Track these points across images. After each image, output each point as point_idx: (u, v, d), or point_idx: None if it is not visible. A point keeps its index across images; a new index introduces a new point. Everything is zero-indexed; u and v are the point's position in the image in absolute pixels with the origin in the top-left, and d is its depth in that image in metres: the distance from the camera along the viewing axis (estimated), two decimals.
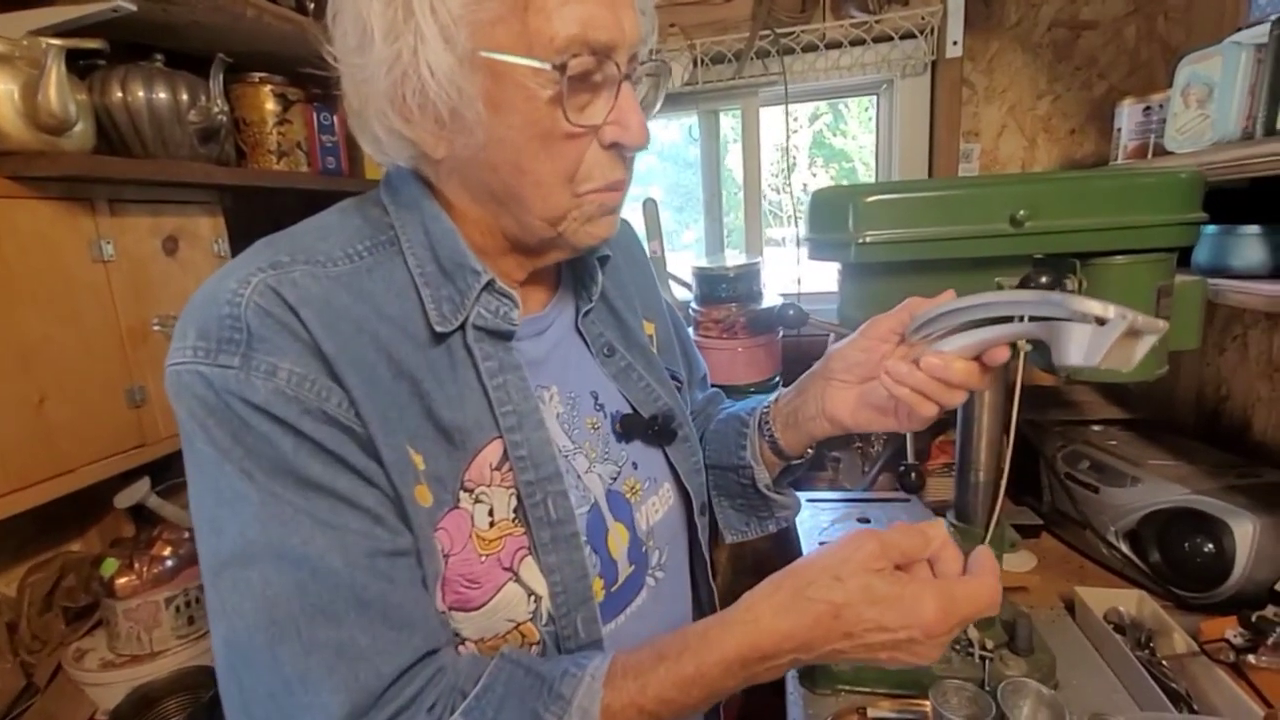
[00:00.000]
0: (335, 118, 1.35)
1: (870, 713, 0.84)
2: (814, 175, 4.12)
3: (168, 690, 0.93)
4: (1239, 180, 0.83)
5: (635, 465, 0.62)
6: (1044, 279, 0.73)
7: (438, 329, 0.50)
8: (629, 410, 0.63)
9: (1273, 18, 0.81)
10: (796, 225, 1.46)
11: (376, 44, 0.44)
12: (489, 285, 0.52)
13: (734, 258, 1.56)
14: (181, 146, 1.00)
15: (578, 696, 0.44)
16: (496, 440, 0.52)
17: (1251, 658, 0.82)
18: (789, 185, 1.50)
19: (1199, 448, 1.15)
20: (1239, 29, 1.03)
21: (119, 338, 0.97)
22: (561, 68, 0.44)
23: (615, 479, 0.60)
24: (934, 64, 1.37)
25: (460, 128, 0.46)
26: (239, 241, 1.20)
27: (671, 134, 2.47)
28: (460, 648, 0.51)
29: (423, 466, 0.48)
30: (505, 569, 0.51)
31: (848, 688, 0.89)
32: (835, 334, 0.85)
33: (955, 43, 1.31)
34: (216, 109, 1.00)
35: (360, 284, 0.48)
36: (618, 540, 0.58)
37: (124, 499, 1.07)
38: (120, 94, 0.95)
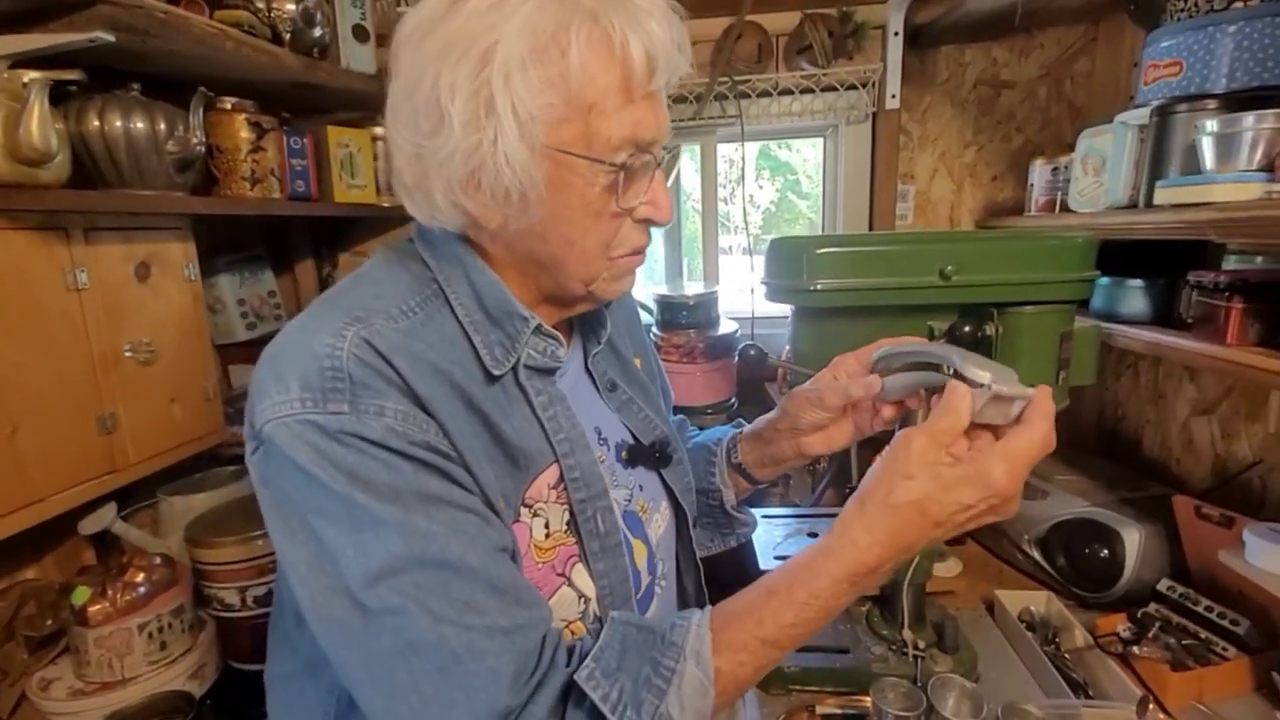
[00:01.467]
0: (305, 141, 1.37)
1: (819, 710, 0.93)
2: (760, 187, 4.29)
3: (142, 716, 0.94)
4: (1127, 238, 0.97)
5: (641, 488, 0.70)
6: (967, 327, 0.84)
7: (494, 372, 0.57)
8: (631, 440, 0.71)
9: (1154, 104, 0.96)
10: (747, 233, 1.57)
11: (455, 132, 0.51)
12: (537, 329, 0.60)
13: (691, 285, 1.66)
14: (158, 176, 1.01)
15: (689, 642, 0.52)
16: (554, 464, 0.60)
17: (1136, 649, 0.96)
18: (735, 196, 1.62)
19: (1099, 464, 1.30)
20: (1131, 97, 1.19)
21: (91, 365, 0.97)
22: (622, 166, 0.53)
23: (629, 501, 0.68)
24: (875, 113, 1.50)
25: (523, 206, 0.54)
26: (202, 262, 1.20)
27: None
28: None
29: (497, 485, 0.55)
30: (559, 575, 0.59)
31: (799, 687, 0.99)
32: (788, 371, 0.94)
33: (894, 96, 1.44)
34: (196, 140, 1.01)
35: (420, 335, 0.54)
36: (640, 554, 0.66)
37: (90, 524, 1.06)
38: (97, 123, 0.95)
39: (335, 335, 0.50)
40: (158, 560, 1.02)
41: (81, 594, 0.93)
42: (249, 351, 1.54)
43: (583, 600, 0.59)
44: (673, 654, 0.51)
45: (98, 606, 0.93)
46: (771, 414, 0.80)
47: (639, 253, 0.60)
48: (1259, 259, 0.91)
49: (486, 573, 0.49)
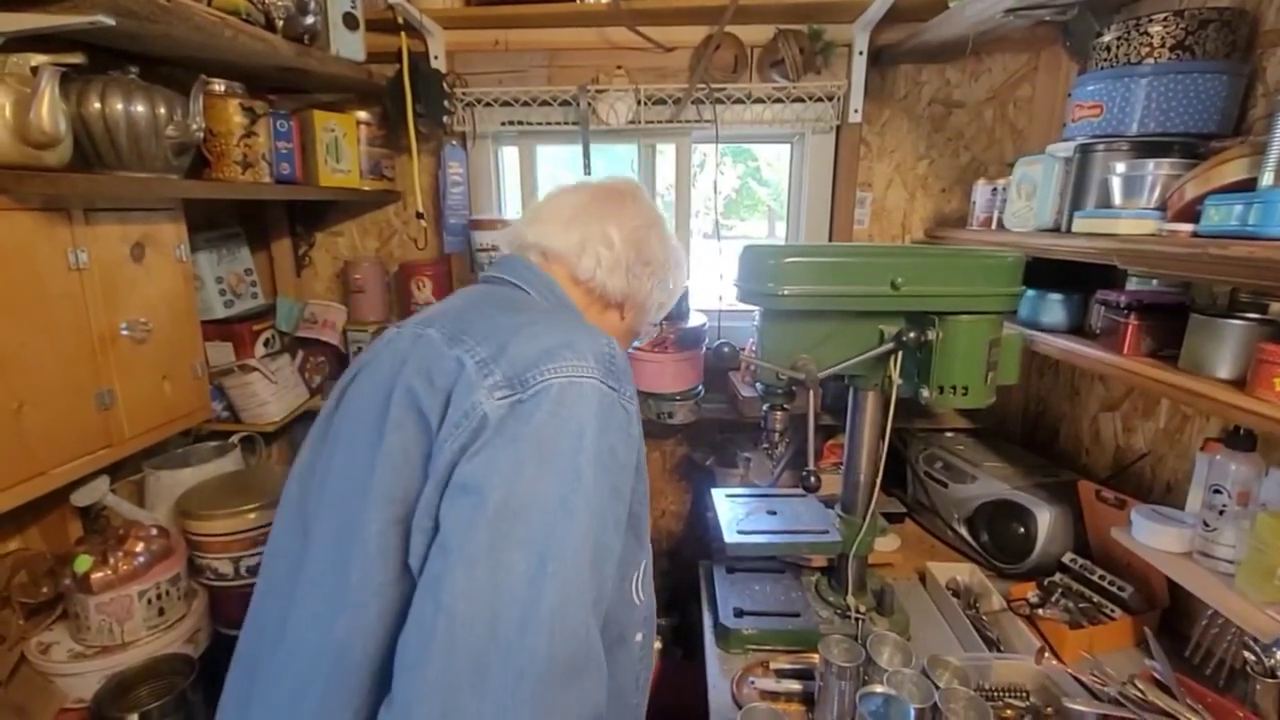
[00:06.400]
0: (291, 124, 1.38)
1: (772, 665, 1.06)
2: (722, 174, 4.38)
3: (142, 678, 0.99)
4: (1051, 257, 1.11)
5: None
6: (912, 333, 0.96)
7: None
8: None
9: (1078, 140, 1.09)
10: (715, 217, 1.69)
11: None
12: None
13: None
14: (156, 159, 1.03)
15: None
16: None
17: (1041, 611, 1.12)
18: (697, 180, 1.75)
19: (1021, 452, 1.47)
20: (1065, 124, 1.33)
21: (90, 344, 1.00)
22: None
23: None
24: (839, 125, 1.61)
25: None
26: None
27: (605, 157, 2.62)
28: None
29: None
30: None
31: (755, 647, 1.11)
32: (752, 364, 1.05)
33: (856, 110, 1.55)
34: (195, 126, 1.04)
35: None
36: None
37: (83, 497, 1.09)
38: (99, 105, 0.97)
39: (607, 338, 0.66)
40: (154, 531, 1.06)
41: (84, 562, 0.97)
42: (226, 329, 1.56)
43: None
44: None
45: (100, 574, 0.97)
46: None
47: None
48: (1154, 281, 1.05)
49: (603, 588, 0.59)
